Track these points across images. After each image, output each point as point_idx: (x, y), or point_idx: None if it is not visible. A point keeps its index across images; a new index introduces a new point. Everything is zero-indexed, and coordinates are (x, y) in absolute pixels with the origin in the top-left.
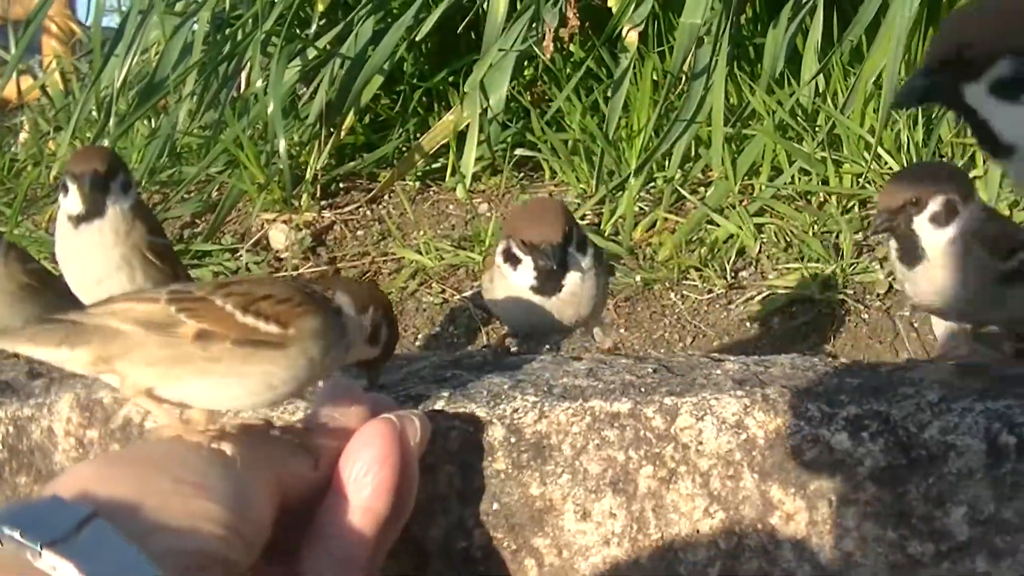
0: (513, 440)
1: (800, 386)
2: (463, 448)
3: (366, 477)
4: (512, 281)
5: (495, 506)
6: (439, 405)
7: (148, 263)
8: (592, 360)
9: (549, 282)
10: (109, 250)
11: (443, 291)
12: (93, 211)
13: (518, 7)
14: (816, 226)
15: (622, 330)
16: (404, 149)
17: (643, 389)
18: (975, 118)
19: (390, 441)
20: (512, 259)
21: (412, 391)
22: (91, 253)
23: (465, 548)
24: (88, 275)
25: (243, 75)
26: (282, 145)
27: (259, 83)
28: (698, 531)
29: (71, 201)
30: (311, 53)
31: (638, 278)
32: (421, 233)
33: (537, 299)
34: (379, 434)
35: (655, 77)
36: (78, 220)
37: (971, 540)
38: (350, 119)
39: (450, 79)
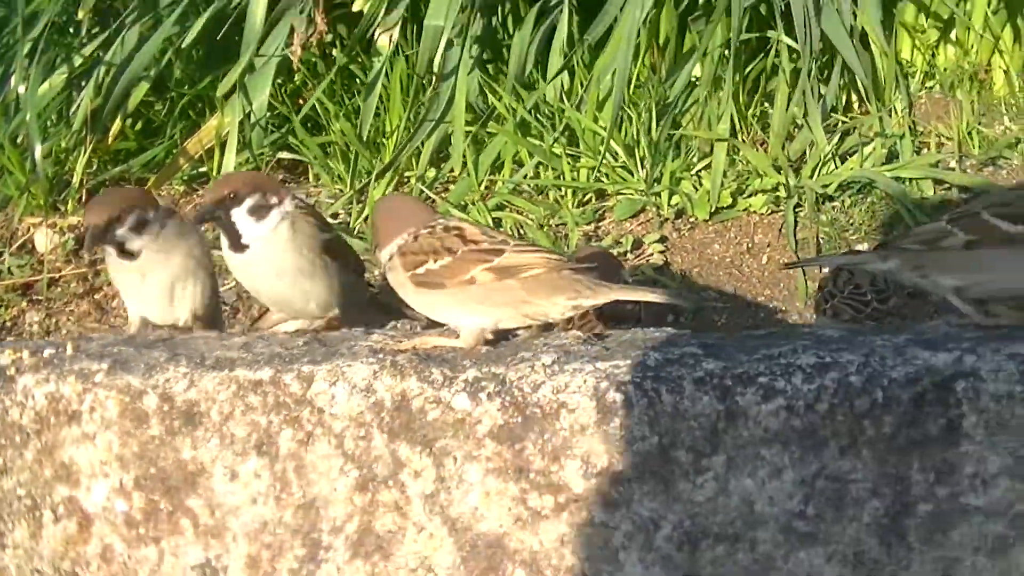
0: (166, 408)
1: (431, 353)
2: (121, 416)
3: None
4: None
5: (151, 470)
6: (98, 378)
7: None
8: (249, 335)
9: None
10: None
11: None
12: None
13: None
14: (550, 219)
15: None
16: (174, 153)
17: (288, 359)
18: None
19: None
20: None
21: (75, 366)
22: None
23: (126, 511)
24: None
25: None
26: (38, 151)
27: (21, 89)
28: (336, 489)
29: None
30: (78, 60)
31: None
32: None
33: None
34: None
35: (409, 79)
36: None
37: (587, 492)
38: (118, 124)
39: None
